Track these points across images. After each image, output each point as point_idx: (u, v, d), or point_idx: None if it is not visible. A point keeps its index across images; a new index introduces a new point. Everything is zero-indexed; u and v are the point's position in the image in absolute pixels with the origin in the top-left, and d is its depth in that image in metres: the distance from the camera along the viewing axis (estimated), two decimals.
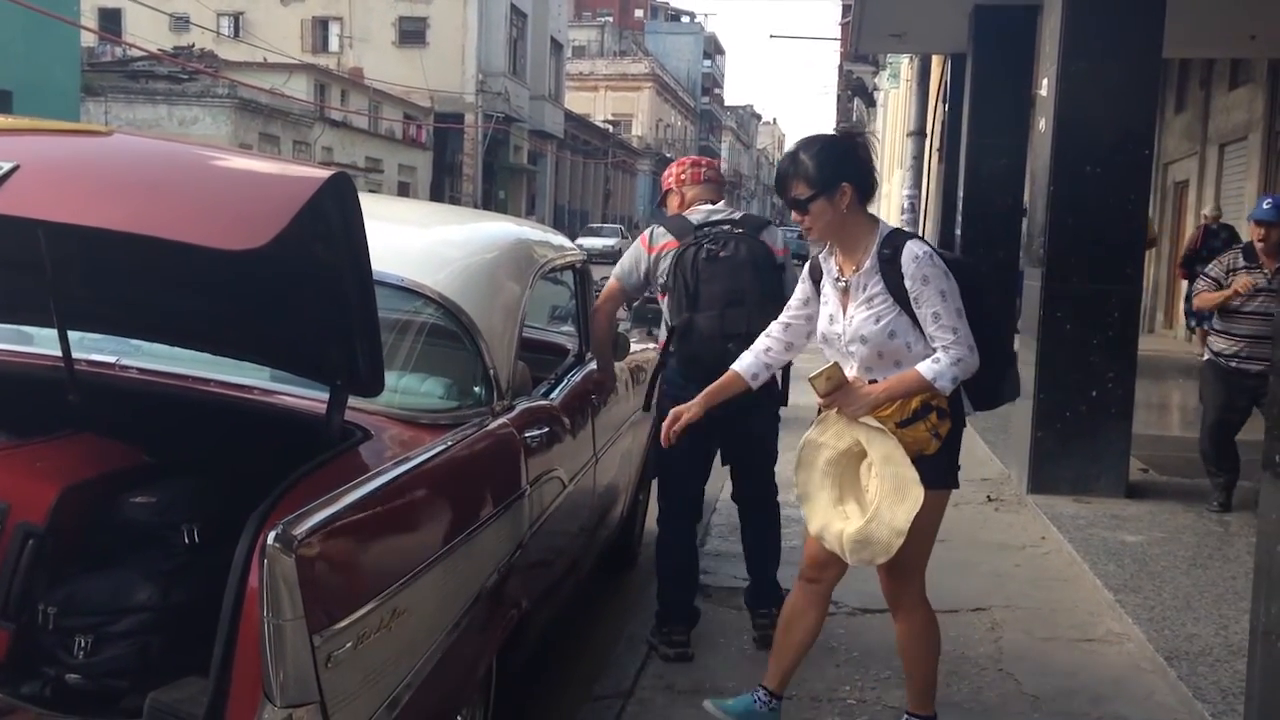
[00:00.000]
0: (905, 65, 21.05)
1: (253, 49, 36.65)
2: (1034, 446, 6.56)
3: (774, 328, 3.40)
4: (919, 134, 15.33)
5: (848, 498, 3.17)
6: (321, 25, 43.06)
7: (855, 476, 3.16)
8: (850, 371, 3.16)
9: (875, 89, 33.72)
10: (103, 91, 28.74)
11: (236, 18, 42.23)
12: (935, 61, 15.02)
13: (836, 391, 3.08)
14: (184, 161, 2.33)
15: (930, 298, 3.03)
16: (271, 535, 2.06)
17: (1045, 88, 6.63)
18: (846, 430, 3.13)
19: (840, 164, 3.12)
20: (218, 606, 2.16)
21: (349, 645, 2.19)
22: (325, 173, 2.17)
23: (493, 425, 3.14)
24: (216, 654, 2.14)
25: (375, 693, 2.32)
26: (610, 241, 37.45)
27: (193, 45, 35.01)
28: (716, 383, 3.43)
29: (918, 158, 15.30)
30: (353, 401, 2.71)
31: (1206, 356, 6.24)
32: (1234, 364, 6.01)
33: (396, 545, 2.48)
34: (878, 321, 3.09)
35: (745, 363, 3.39)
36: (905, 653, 3.39)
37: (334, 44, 42.72)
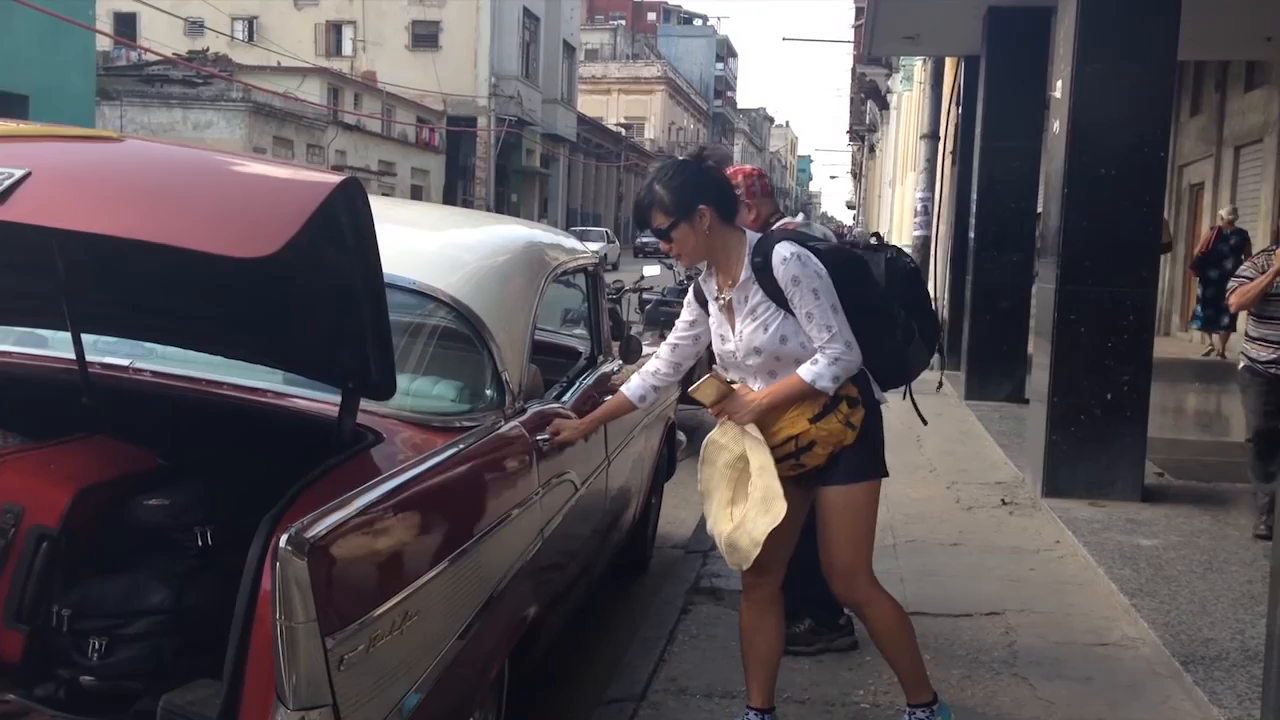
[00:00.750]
0: (918, 67, 21.01)
1: (267, 53, 36.85)
2: (1048, 450, 6.53)
3: (662, 349, 3.44)
4: (932, 136, 15.28)
5: (738, 500, 3.21)
6: (335, 29, 43.24)
7: (748, 482, 3.19)
8: (756, 385, 3.19)
9: (888, 91, 33.66)
10: (118, 96, 28.92)
11: (250, 22, 42.42)
12: (949, 64, 14.97)
13: (723, 400, 3.13)
14: (195, 168, 2.34)
15: (803, 297, 3.06)
16: (284, 538, 2.06)
17: (1060, 90, 6.60)
18: (739, 436, 3.17)
19: (695, 188, 3.12)
20: (231, 609, 2.17)
21: (361, 648, 2.19)
22: (335, 178, 2.17)
23: (504, 428, 3.14)
24: (230, 656, 2.14)
25: (387, 696, 2.32)
26: (594, 246, 35.96)
27: (207, 49, 35.21)
28: (604, 407, 3.58)
29: (931, 160, 15.26)
30: (364, 404, 2.72)
31: (1243, 364, 6.04)
32: (1273, 370, 5.81)
33: (409, 548, 2.48)
34: (766, 330, 3.12)
35: (633, 385, 3.47)
36: (881, 646, 3.42)
37: (347, 48, 42.89)
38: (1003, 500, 6.68)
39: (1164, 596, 4.84)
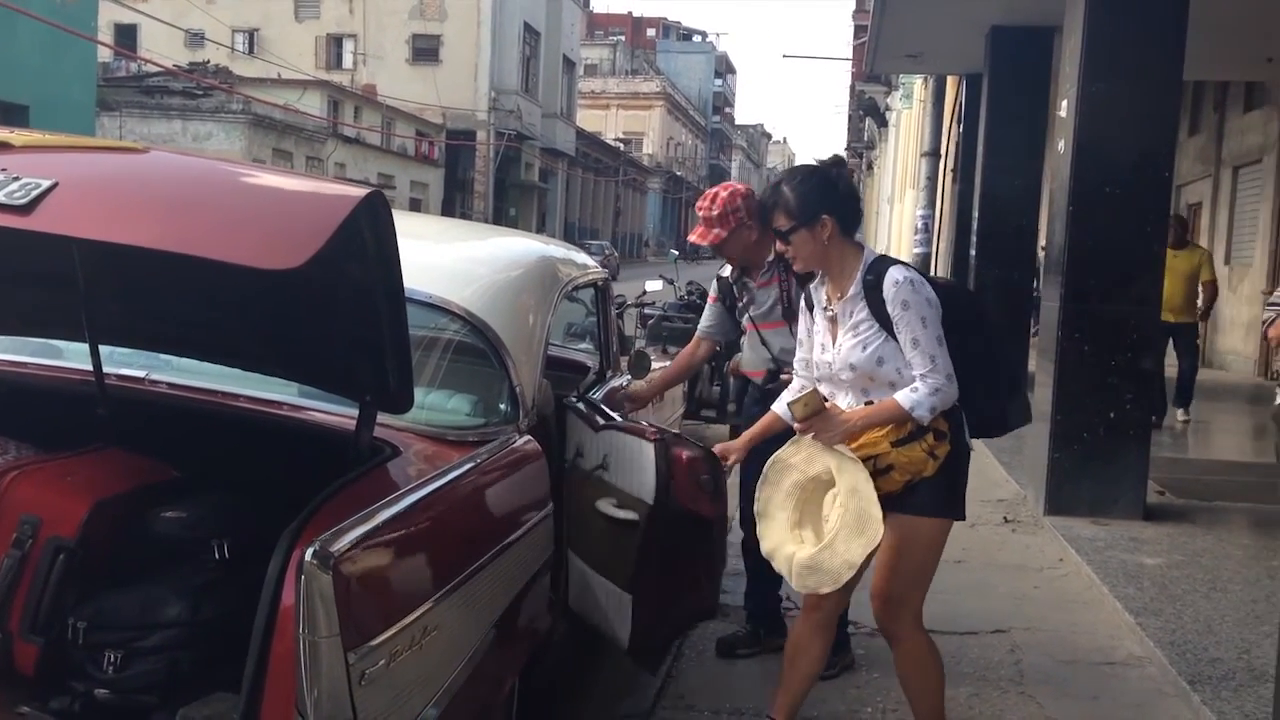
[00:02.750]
0: (919, 86, 21.10)
1: (267, 65, 36.90)
2: (1051, 468, 6.54)
3: (798, 366, 3.41)
4: (933, 154, 15.35)
5: (806, 523, 3.15)
6: (335, 42, 43.32)
7: (818, 505, 3.14)
8: (845, 400, 3.17)
9: (887, 109, 33.77)
10: (118, 107, 28.93)
11: (251, 34, 42.51)
12: (950, 82, 15.05)
13: (814, 417, 3.07)
14: (220, 180, 2.34)
15: (909, 323, 3.03)
16: (309, 552, 2.05)
17: (1065, 109, 6.63)
18: (818, 456, 3.11)
19: (821, 196, 3.13)
20: (248, 622, 2.16)
21: (382, 663, 2.18)
22: (361, 191, 2.17)
23: (519, 442, 3.14)
24: (249, 670, 2.13)
25: (406, 711, 2.31)
26: None
27: (208, 61, 35.22)
28: (760, 424, 3.47)
29: (932, 178, 15.32)
30: (379, 418, 2.71)
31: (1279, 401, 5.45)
32: None
33: (428, 562, 2.48)
34: (865, 349, 3.10)
35: (784, 404, 3.38)
36: (905, 683, 3.36)
37: (348, 61, 42.97)
38: (1005, 518, 6.68)
39: (1169, 615, 4.84)
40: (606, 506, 3.27)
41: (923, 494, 3.10)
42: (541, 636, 3.19)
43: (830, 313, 3.19)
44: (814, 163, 3.40)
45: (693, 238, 4.20)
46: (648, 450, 3.19)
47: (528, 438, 3.21)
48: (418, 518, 2.44)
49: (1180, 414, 10.00)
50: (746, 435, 3.49)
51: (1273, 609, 4.88)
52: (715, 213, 4.05)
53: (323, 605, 2.04)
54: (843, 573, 3.02)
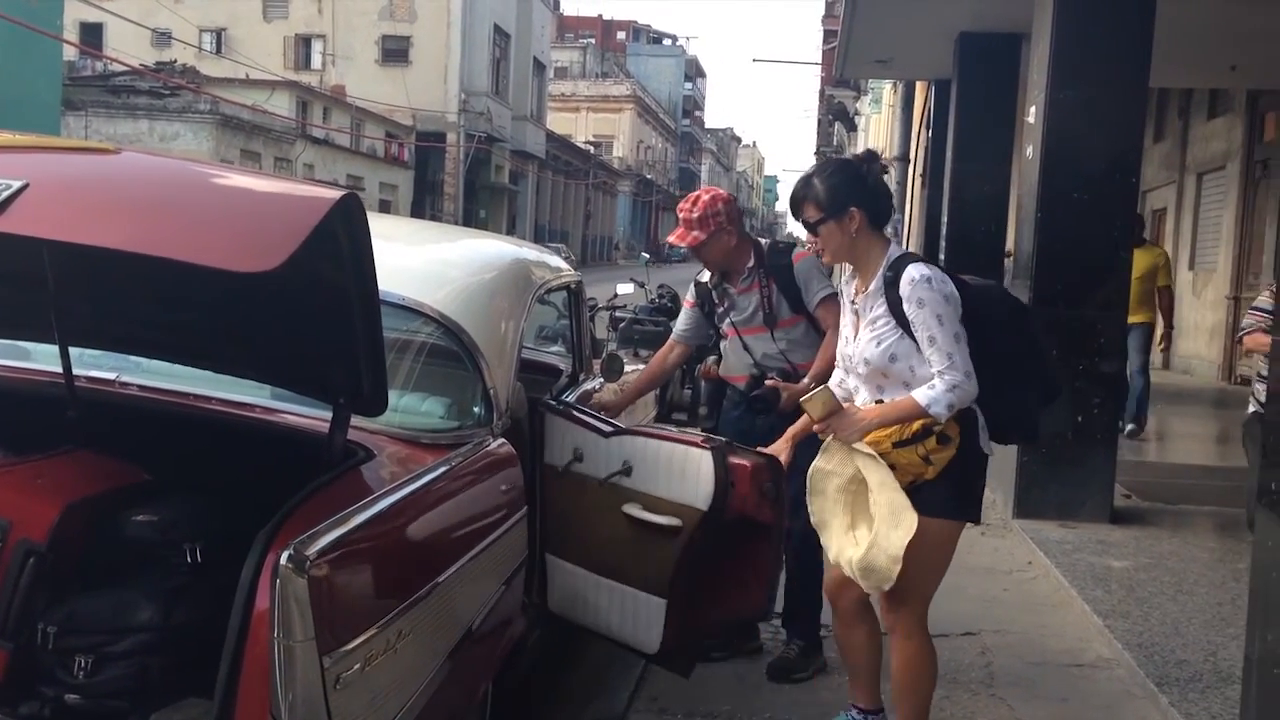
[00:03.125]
0: (887, 91, 21.25)
1: (235, 65, 36.59)
2: (1020, 471, 6.59)
3: (840, 360, 3.41)
4: (903, 159, 15.47)
5: (859, 523, 3.17)
6: (304, 43, 43.03)
7: (865, 502, 3.16)
8: (863, 394, 3.19)
9: (856, 114, 33.97)
10: (83, 106, 28.59)
11: (219, 34, 42.15)
12: (919, 87, 15.16)
13: (830, 416, 3.09)
14: (193, 182, 2.32)
15: (925, 321, 3.04)
16: (284, 556, 2.04)
17: (1033, 115, 6.69)
18: (847, 458, 3.14)
19: (850, 189, 3.17)
20: (220, 626, 2.15)
21: (357, 667, 2.18)
22: (335, 193, 2.16)
23: (493, 445, 3.13)
24: (222, 675, 2.11)
25: (381, 715, 2.30)
26: None
27: (175, 61, 34.89)
28: (800, 422, 3.46)
29: (901, 183, 15.44)
30: (353, 420, 2.70)
31: (1252, 409, 5.41)
32: None
33: (403, 566, 2.47)
34: (879, 345, 3.12)
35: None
36: (895, 681, 3.37)
37: (316, 61, 42.67)
38: None
39: (1137, 618, 4.89)
40: (636, 511, 3.26)
41: (925, 494, 3.11)
42: (515, 640, 3.18)
43: (855, 306, 3.23)
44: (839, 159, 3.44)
45: (672, 238, 4.24)
46: (701, 458, 3.20)
47: (502, 440, 3.20)
48: (392, 521, 2.43)
49: (1131, 427, 9.31)
50: (790, 433, 3.51)
51: (1238, 611, 4.92)
52: (695, 215, 4.08)
53: (298, 609, 2.03)
54: (891, 568, 3.03)
